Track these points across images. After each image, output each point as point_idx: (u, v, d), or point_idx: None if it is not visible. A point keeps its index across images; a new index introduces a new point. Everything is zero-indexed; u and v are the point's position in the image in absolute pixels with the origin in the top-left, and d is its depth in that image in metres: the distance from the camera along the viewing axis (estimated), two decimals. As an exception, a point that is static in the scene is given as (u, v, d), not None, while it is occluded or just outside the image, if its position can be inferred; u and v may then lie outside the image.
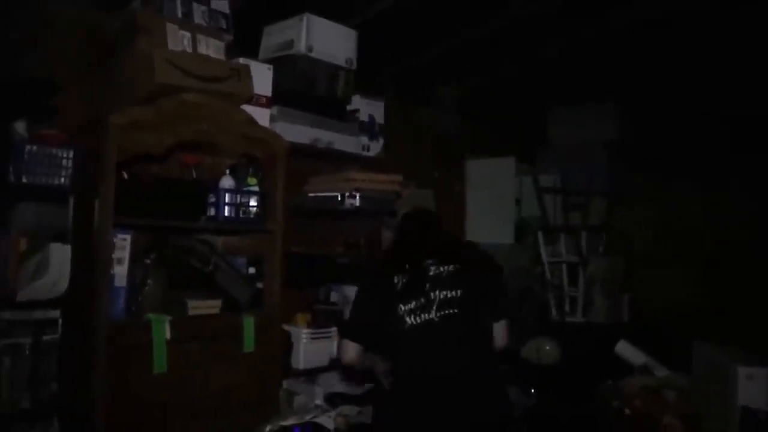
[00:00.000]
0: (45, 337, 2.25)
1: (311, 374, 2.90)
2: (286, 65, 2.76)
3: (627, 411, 1.95)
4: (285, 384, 2.78)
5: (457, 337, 1.91)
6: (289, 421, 2.22)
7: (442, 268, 1.98)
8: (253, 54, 2.78)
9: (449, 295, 1.94)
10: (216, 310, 2.39)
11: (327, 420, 2.31)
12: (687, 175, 4.17)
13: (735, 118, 3.86)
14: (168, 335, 2.17)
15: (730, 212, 4.00)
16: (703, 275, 4.01)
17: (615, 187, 4.17)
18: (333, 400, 2.86)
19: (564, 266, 4.00)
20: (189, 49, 2.33)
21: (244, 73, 2.46)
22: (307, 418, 2.24)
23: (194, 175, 2.57)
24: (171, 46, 2.28)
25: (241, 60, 2.54)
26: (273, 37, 2.86)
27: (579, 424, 2.07)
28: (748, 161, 3.87)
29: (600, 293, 3.85)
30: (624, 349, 2.30)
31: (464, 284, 1.97)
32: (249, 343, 2.44)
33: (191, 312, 2.33)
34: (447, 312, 1.92)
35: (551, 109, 4.37)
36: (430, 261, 2.00)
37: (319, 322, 2.88)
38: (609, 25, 3.32)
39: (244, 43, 2.68)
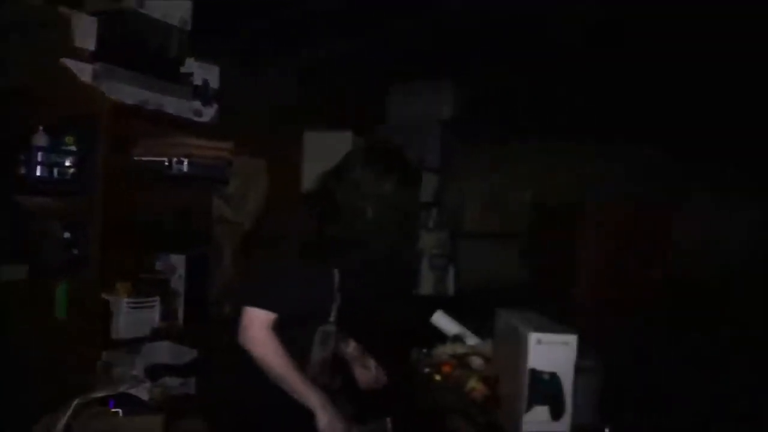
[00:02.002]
0: None
1: (132, 345, 2.80)
2: (113, 20, 2.59)
3: (437, 377, 2.08)
4: (104, 355, 2.66)
5: None
6: (102, 393, 2.12)
7: None
8: (77, 4, 2.59)
9: None
10: (23, 275, 2.24)
11: (142, 391, 2.24)
12: (516, 152, 4.45)
13: (563, 100, 4.15)
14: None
15: (552, 190, 4.33)
16: (523, 249, 4.31)
17: (446, 164, 4.36)
18: (155, 371, 2.79)
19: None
20: (-1, -9, 2.14)
21: (64, 23, 2.29)
22: (122, 389, 2.16)
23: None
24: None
25: (62, 9, 2.36)
26: (101, -13, 2.68)
27: (392, 391, 2.18)
28: (570, 141, 4.19)
29: (427, 267, 4.04)
30: (440, 319, 2.42)
31: None
32: (61, 311, 2.31)
33: (-5, 277, 2.16)
34: None
35: (389, 84, 4.47)
36: None
37: (141, 291, 2.77)
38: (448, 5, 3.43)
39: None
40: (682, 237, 3.85)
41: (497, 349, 2.08)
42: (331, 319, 1.98)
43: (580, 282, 3.50)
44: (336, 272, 1.96)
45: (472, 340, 2.37)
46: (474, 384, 1.96)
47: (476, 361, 2.09)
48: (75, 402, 2.05)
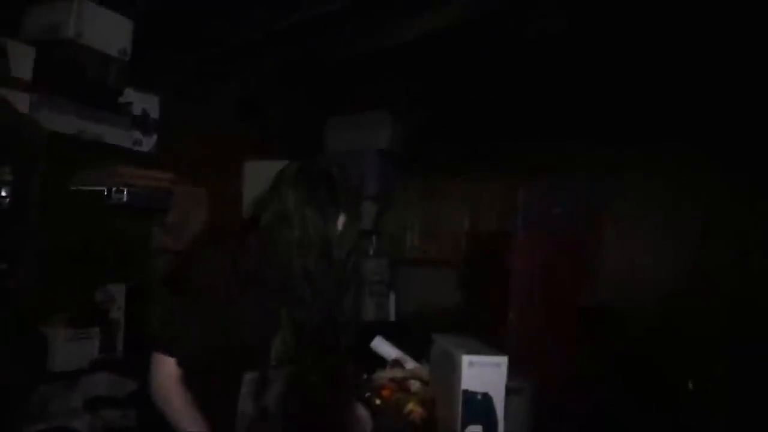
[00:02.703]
0: None
1: (70, 377, 2.75)
2: (52, 49, 2.58)
3: (377, 401, 2.13)
4: (40, 388, 2.61)
5: None
6: (38, 427, 2.09)
7: None
8: (14, 33, 2.58)
9: None
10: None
11: (80, 424, 2.21)
12: (453, 180, 4.57)
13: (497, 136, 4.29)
14: None
15: (487, 218, 4.45)
16: (460, 275, 4.41)
17: (385, 192, 4.43)
18: (94, 404, 2.75)
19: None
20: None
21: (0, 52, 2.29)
22: (57, 423, 2.13)
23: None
24: None
25: (-2, 38, 2.36)
26: (38, 17, 2.66)
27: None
28: (506, 168, 4.31)
29: (368, 294, 4.10)
30: (379, 344, 2.47)
31: None
32: (-5, 345, 2.26)
33: None
34: None
35: (329, 115, 4.55)
36: None
37: (80, 322, 2.74)
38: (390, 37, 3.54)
39: (2, 20, 2.49)
40: (609, 263, 3.98)
41: (434, 372, 2.15)
42: (273, 361, 1.74)
43: (513, 308, 3.59)
44: (267, 306, 1.73)
45: (410, 364, 2.43)
46: (412, 407, 2.02)
47: (415, 385, 2.15)
48: (10, 437, 2.02)
